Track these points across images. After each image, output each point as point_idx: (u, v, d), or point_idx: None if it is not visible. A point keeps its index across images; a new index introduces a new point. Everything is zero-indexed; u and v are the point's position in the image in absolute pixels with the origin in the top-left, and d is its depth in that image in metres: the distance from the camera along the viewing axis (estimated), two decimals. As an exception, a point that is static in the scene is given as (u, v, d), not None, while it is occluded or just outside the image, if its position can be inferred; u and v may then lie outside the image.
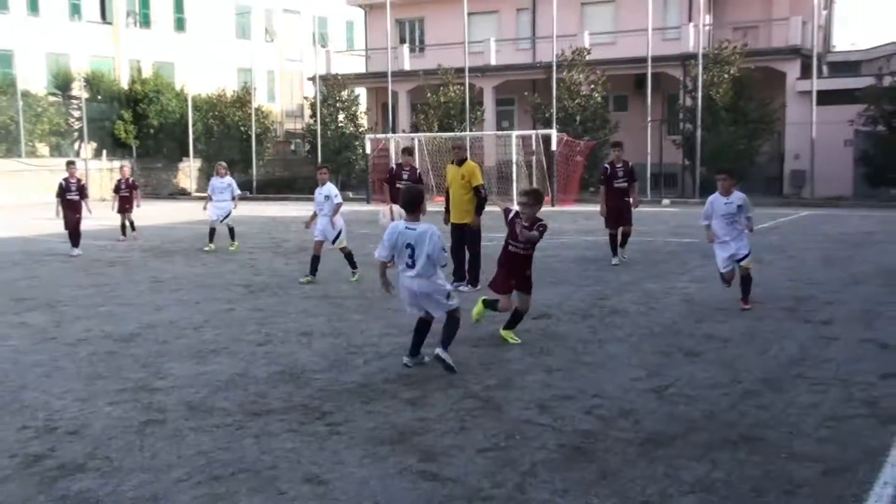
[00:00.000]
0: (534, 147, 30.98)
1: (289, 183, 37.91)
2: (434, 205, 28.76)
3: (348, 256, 13.16)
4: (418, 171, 16.10)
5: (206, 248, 16.92)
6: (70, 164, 18.14)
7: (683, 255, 15.80)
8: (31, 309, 10.93)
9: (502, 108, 38.09)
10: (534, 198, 8.61)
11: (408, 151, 16.67)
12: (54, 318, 10.29)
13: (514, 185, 29.79)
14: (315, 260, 12.92)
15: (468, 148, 30.86)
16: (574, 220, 24.03)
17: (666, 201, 29.82)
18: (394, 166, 17.22)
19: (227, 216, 17.48)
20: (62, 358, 8.29)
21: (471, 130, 33.68)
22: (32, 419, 6.38)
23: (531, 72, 35.80)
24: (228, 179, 17.68)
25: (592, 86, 32.62)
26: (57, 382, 7.39)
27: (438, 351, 7.56)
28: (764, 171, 31.12)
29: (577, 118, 32.44)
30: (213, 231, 17.28)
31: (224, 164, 18.50)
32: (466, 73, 34.36)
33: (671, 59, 33.12)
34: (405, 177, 15.49)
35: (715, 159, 30.41)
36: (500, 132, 34.08)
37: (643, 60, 32.13)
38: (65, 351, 8.58)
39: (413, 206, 7.81)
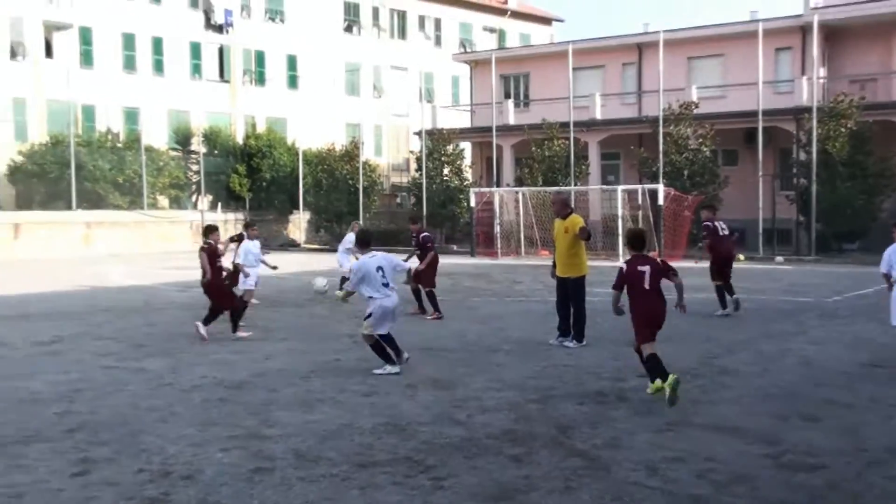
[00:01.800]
0: (640, 201, 30.61)
1: (394, 234, 38.48)
2: (539, 258, 28.82)
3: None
4: (426, 234, 15.79)
5: (338, 291, 17.13)
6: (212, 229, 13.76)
7: (799, 314, 15.24)
8: (150, 355, 11.34)
9: (608, 162, 37.88)
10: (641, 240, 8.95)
11: (412, 220, 17.28)
12: (171, 365, 10.64)
13: (620, 239, 29.47)
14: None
15: (573, 202, 30.80)
16: (682, 275, 23.50)
17: (779, 258, 28.92)
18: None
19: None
20: (177, 403, 8.54)
21: (576, 184, 33.58)
22: (148, 463, 6.58)
23: (637, 126, 35.57)
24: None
25: (700, 140, 32.14)
26: (172, 427, 7.62)
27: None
28: (887, 230, 29.85)
29: (685, 172, 31.96)
30: (343, 279, 17.65)
31: (358, 222, 19.01)
32: (571, 128, 34.38)
33: (783, 112, 32.39)
34: (413, 243, 15.87)
35: (831, 215, 29.43)
36: (605, 186, 33.86)
37: (754, 114, 31.51)
38: (180, 397, 8.85)
39: (366, 244, 10.47)
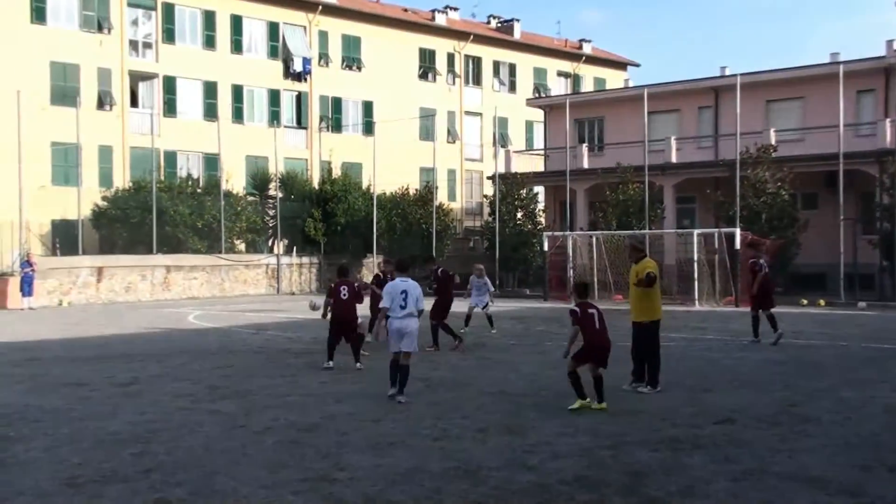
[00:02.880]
0: (716, 245, 30.12)
1: (468, 279, 38.47)
2: (613, 303, 28.51)
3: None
4: (443, 269, 17.75)
5: (462, 330, 18.65)
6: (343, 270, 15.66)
7: (884, 361, 14.74)
8: (224, 397, 11.53)
9: (683, 206, 37.43)
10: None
11: (427, 259, 20.01)
12: (244, 407, 10.80)
13: (696, 284, 29.00)
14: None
15: (647, 246, 30.48)
16: (760, 321, 22.98)
17: (862, 304, 28.06)
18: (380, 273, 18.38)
19: (485, 306, 20.05)
20: (250, 445, 8.66)
21: (650, 228, 33.25)
22: None
23: (713, 169, 35.11)
24: (485, 279, 20.36)
25: (779, 183, 31.56)
26: (245, 469, 7.71)
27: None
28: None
29: (763, 216, 31.37)
30: (468, 317, 19.93)
31: (481, 266, 21.08)
32: (646, 172, 34.13)
33: (866, 155, 31.64)
34: (433, 281, 17.36)
35: (917, 259, 28.52)
36: (680, 230, 33.44)
37: (834, 157, 30.85)
38: (253, 439, 8.96)
39: (404, 270, 11.85)
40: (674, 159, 36.95)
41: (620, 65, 61.98)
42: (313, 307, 17.36)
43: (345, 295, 14.16)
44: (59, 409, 10.72)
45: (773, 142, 33.14)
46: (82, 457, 8.18)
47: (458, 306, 18.34)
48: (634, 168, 34.74)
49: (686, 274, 29.69)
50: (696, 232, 30.35)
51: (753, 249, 19.42)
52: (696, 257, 29.28)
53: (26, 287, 29.77)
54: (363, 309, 15.33)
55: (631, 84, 53.46)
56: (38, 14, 38.70)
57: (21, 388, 12.38)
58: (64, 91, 38.52)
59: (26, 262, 30.37)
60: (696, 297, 28.89)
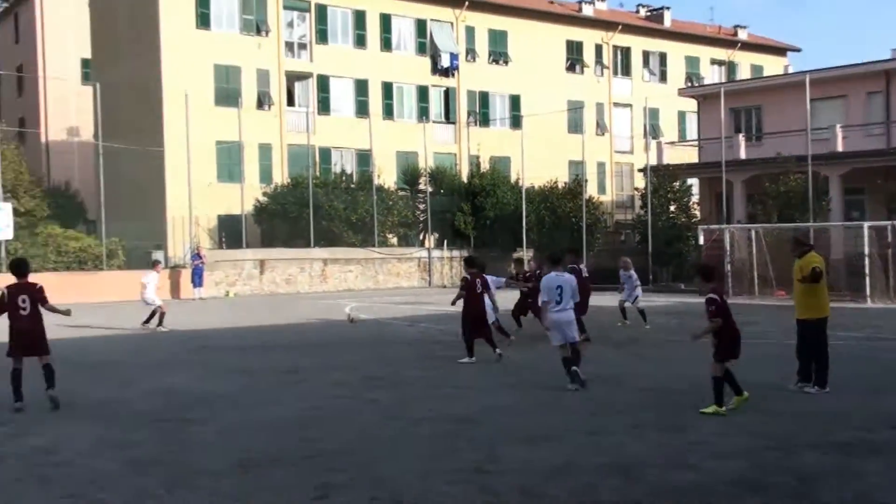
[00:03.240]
0: (889, 239, 28.39)
1: (618, 273, 37.83)
2: (775, 299, 27.40)
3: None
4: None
5: (619, 324, 19.61)
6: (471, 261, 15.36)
7: None
8: (380, 387, 11.81)
9: (851, 198, 35.47)
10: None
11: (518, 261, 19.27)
12: (400, 397, 11.03)
13: (867, 280, 27.45)
14: None
15: (812, 240, 29.07)
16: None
17: None
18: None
19: (634, 300, 20.12)
20: (406, 435, 8.83)
21: (814, 221, 31.70)
22: (380, 492, 6.82)
23: (885, 158, 33.11)
24: (630, 272, 20.35)
25: (960, 171, 29.44)
26: (401, 458, 7.87)
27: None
28: None
29: (941, 207, 29.36)
30: (623, 311, 20.09)
31: (627, 259, 21.13)
32: (809, 162, 32.55)
33: None
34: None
35: None
36: (848, 223, 31.69)
37: None
38: (408, 429, 9.14)
39: (557, 262, 11.84)
40: (840, 148, 35.07)
41: (779, 50, 59.38)
42: (352, 321, 17.98)
43: (479, 289, 13.93)
44: (229, 394, 11.28)
45: (951, 127, 30.98)
46: (251, 440, 8.57)
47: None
48: (796, 158, 33.19)
49: (856, 269, 28.09)
50: (866, 225, 28.66)
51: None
52: (866, 251, 27.68)
53: (197, 278, 31.55)
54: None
55: (791, 70, 51.16)
56: (203, 20, 40.68)
57: (195, 374, 13.11)
58: (227, 92, 40.39)
59: (196, 255, 32.19)
60: (868, 293, 27.33)
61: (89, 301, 28.43)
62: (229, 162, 39.56)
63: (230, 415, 9.91)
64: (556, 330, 11.33)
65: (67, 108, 49.07)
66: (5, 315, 10.33)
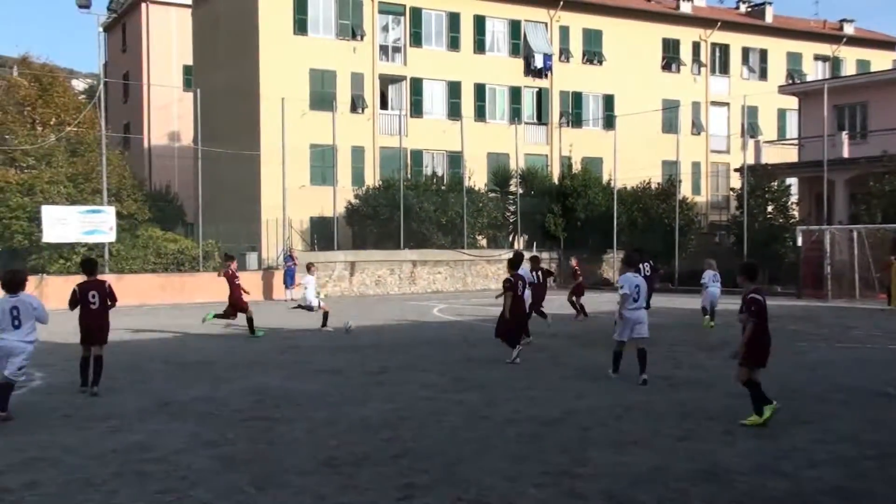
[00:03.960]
0: None
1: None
2: (877, 302, 26.38)
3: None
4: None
5: (704, 324, 19.89)
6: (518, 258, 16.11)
7: None
8: (467, 388, 11.83)
9: (961, 197, 33.87)
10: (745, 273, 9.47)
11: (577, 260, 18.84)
12: (486, 398, 11.03)
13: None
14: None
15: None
16: None
17: None
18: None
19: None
20: (493, 437, 8.83)
21: (922, 221, 30.37)
22: (465, 492, 6.85)
23: None
24: (712, 272, 20.53)
25: None
26: (487, 460, 7.88)
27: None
28: None
29: None
30: (704, 309, 20.28)
31: (711, 262, 21.15)
32: (917, 160, 31.23)
33: None
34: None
35: None
36: (958, 223, 30.28)
37: None
38: (495, 430, 9.14)
39: (633, 264, 12.52)
40: (950, 145, 33.57)
41: (888, 45, 57.09)
42: (348, 330, 17.95)
43: (521, 291, 14.51)
44: (317, 393, 11.48)
45: None
46: (338, 439, 8.71)
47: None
48: (903, 156, 31.88)
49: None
50: (976, 225, 27.40)
51: None
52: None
53: (289, 280, 32.20)
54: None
55: (900, 64, 49.22)
56: (300, 26, 41.50)
57: (284, 374, 13.38)
58: (322, 96, 41.10)
59: (289, 257, 32.85)
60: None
61: (187, 301, 29.38)
62: (322, 165, 40.24)
63: (319, 414, 10.09)
64: (626, 327, 11.99)
65: (169, 115, 50.86)
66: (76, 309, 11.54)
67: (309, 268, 21.95)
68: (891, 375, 11.00)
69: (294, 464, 7.78)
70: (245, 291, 19.19)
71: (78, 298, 11.40)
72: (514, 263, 14.75)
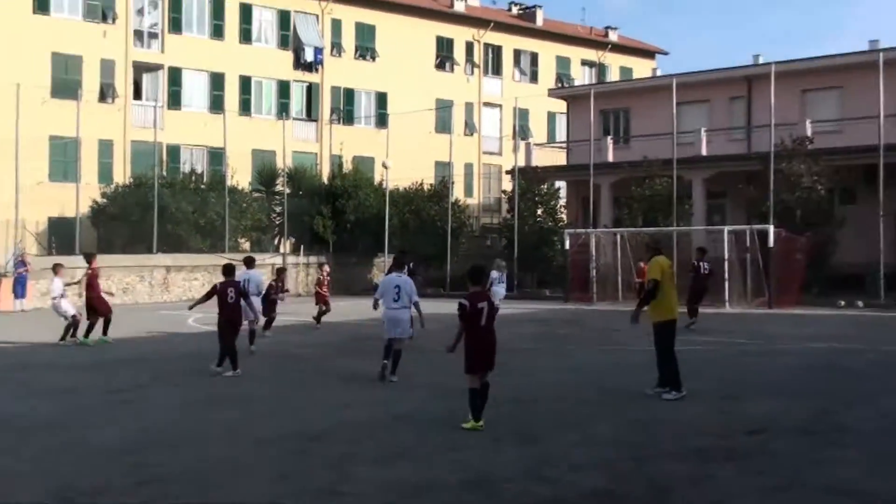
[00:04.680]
0: (748, 243, 29.87)
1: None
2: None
3: None
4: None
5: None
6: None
7: (927, 367, 14.52)
8: (227, 405, 11.46)
9: (713, 202, 37.15)
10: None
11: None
12: (247, 415, 10.74)
13: (727, 284, 28.75)
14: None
15: (674, 243, 30.20)
16: (795, 324, 22.81)
17: (905, 305, 27.74)
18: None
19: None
20: (252, 456, 8.55)
21: (678, 225, 33.01)
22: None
23: (746, 163, 34.83)
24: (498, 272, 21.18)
25: (815, 177, 31.25)
26: (245, 482, 7.62)
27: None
28: None
29: (798, 212, 31.08)
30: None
31: (499, 261, 21.79)
32: (674, 165, 33.90)
33: (908, 146, 31.27)
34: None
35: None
36: (710, 227, 33.17)
37: (874, 150, 30.53)
38: (255, 449, 8.86)
39: (400, 265, 13.53)
40: (704, 152, 36.70)
41: (648, 53, 61.66)
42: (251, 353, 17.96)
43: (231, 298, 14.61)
44: (50, 416, 10.64)
45: (808, 133, 32.86)
46: (73, 467, 8.11)
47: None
48: (662, 161, 34.50)
49: (717, 274, 29.42)
50: (726, 229, 30.11)
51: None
52: (726, 256, 29.03)
53: (20, 288, 29.72)
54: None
55: (659, 73, 53.13)
56: (41, 4, 38.94)
57: (9, 395, 12.30)
58: (65, 83, 38.72)
59: (20, 263, 30.39)
60: (727, 298, 28.67)
61: None
62: (64, 159, 37.92)
63: (51, 440, 9.34)
64: (390, 325, 12.90)
65: None
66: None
67: (56, 269, 20.24)
68: (649, 377, 11.77)
69: (18, 501, 7.15)
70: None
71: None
72: (226, 270, 14.76)
